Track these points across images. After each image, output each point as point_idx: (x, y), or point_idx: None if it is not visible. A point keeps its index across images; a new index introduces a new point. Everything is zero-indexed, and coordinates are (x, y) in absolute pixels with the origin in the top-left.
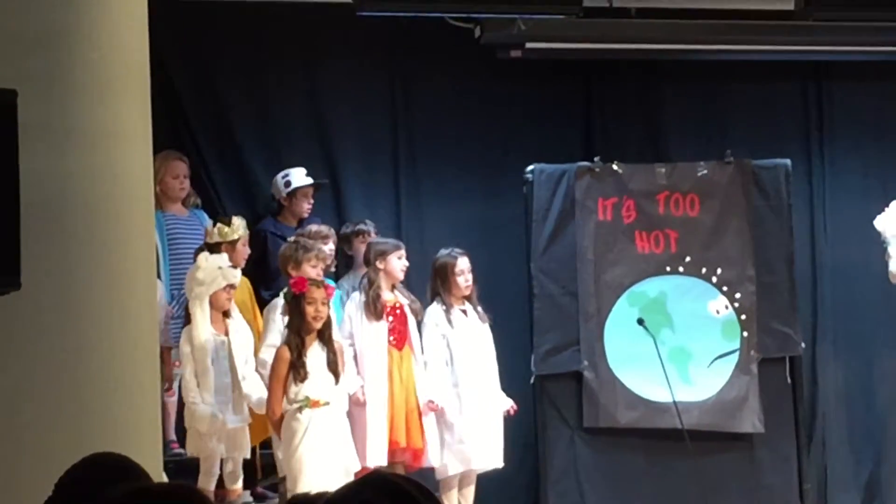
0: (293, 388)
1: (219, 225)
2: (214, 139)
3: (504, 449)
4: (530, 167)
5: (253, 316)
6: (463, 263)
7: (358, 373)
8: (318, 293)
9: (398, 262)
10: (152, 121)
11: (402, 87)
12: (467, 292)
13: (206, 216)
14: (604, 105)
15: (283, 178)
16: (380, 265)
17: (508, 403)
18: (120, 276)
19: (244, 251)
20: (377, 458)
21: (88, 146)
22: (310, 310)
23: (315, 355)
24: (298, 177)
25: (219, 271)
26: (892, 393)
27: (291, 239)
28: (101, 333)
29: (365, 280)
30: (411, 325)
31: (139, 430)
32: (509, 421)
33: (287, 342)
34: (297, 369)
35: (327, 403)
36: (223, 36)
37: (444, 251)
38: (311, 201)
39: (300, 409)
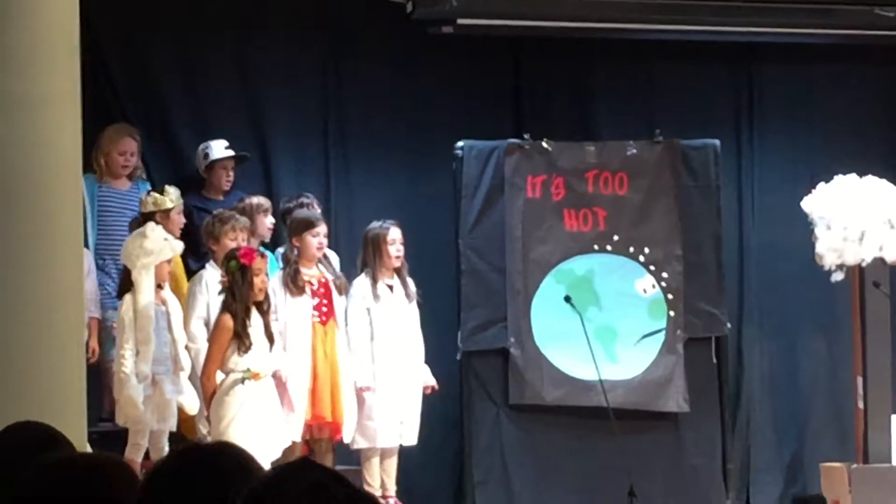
0: (233, 359)
1: (153, 194)
2: (143, 109)
3: (429, 425)
4: (460, 143)
5: (185, 289)
6: (395, 234)
7: (283, 348)
8: (262, 264)
9: (313, 240)
10: (81, 88)
11: (333, 61)
12: (398, 263)
13: (149, 188)
14: (534, 82)
15: (203, 150)
16: (296, 242)
17: (430, 382)
18: (46, 244)
19: (179, 220)
20: (294, 432)
21: (15, 112)
22: (257, 281)
23: (255, 325)
24: (217, 149)
25: (165, 242)
26: (815, 375)
27: (214, 213)
28: (25, 301)
29: (282, 257)
30: (337, 300)
31: (64, 399)
32: (435, 397)
33: (231, 312)
34: (242, 339)
35: (266, 376)
36: (155, 5)
37: (376, 223)
38: (231, 174)
39: (242, 381)
